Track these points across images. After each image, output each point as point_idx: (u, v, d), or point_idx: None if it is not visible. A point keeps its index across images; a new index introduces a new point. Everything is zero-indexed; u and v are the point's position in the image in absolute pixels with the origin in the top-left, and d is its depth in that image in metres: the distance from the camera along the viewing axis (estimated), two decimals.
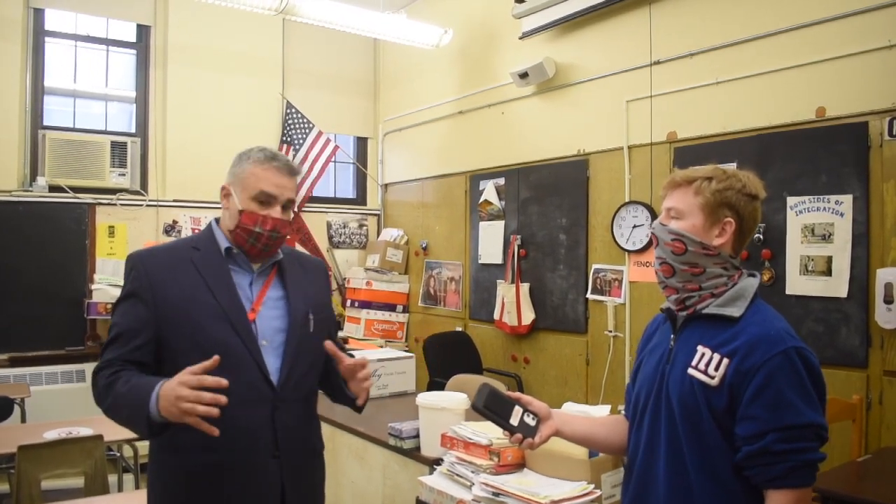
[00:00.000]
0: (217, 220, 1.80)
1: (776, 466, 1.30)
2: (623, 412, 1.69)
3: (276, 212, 1.72)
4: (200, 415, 1.45)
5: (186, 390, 1.45)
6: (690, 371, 1.40)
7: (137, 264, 1.70)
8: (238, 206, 1.71)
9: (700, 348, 1.40)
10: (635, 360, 1.67)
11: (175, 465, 1.67)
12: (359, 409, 1.86)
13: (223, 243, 1.75)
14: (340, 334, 5.48)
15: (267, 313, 1.73)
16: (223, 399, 1.47)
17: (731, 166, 3.69)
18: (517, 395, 1.57)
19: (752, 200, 1.46)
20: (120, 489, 3.55)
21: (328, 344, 1.70)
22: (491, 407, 1.51)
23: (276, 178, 1.72)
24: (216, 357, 1.49)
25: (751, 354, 1.33)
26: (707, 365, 1.38)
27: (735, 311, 1.40)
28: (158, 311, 1.64)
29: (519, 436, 1.52)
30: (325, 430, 1.97)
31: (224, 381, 1.47)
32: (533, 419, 1.55)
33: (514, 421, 1.52)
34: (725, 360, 1.36)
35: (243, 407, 1.63)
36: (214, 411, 1.46)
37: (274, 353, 1.71)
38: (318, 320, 1.81)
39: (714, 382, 1.36)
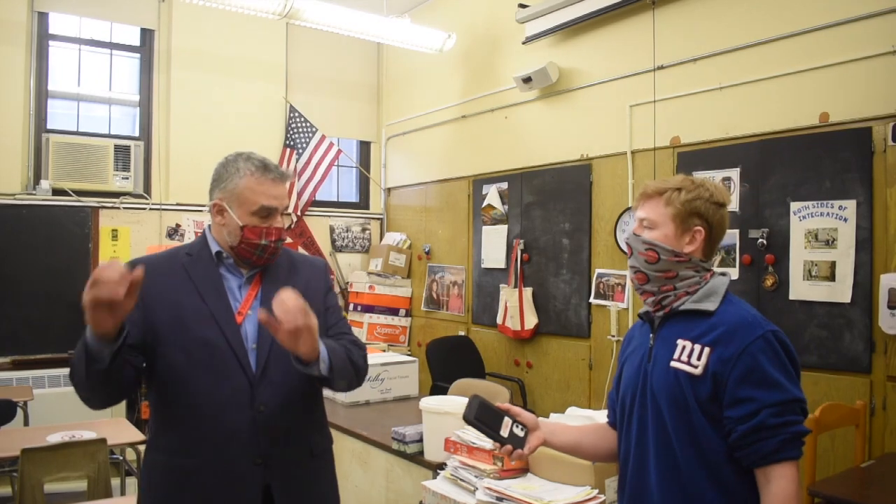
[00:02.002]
0: (210, 227, 1.81)
1: (770, 441, 1.35)
2: (608, 420, 1.72)
3: (277, 221, 1.73)
4: (102, 299, 1.36)
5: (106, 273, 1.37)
6: (673, 364, 1.46)
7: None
8: (238, 222, 1.70)
9: (680, 342, 1.47)
10: (616, 367, 1.70)
11: (159, 464, 1.70)
12: (306, 366, 1.60)
13: (214, 248, 1.76)
14: None
15: (256, 316, 1.71)
16: (140, 272, 1.40)
17: (735, 171, 3.69)
18: (506, 406, 1.60)
19: (720, 208, 1.55)
20: (122, 493, 3.54)
21: (260, 313, 1.55)
22: (481, 418, 1.54)
23: (273, 190, 1.72)
24: (139, 269, 1.42)
25: (732, 341, 1.41)
26: (689, 356, 1.44)
27: (710, 306, 1.47)
28: (148, 313, 1.65)
29: (509, 447, 1.55)
30: None
31: (140, 272, 1.41)
32: (522, 430, 1.58)
33: (504, 432, 1.56)
34: (707, 350, 1.42)
35: (227, 410, 1.64)
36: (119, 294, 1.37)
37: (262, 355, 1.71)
38: None
39: (698, 371, 1.42)
